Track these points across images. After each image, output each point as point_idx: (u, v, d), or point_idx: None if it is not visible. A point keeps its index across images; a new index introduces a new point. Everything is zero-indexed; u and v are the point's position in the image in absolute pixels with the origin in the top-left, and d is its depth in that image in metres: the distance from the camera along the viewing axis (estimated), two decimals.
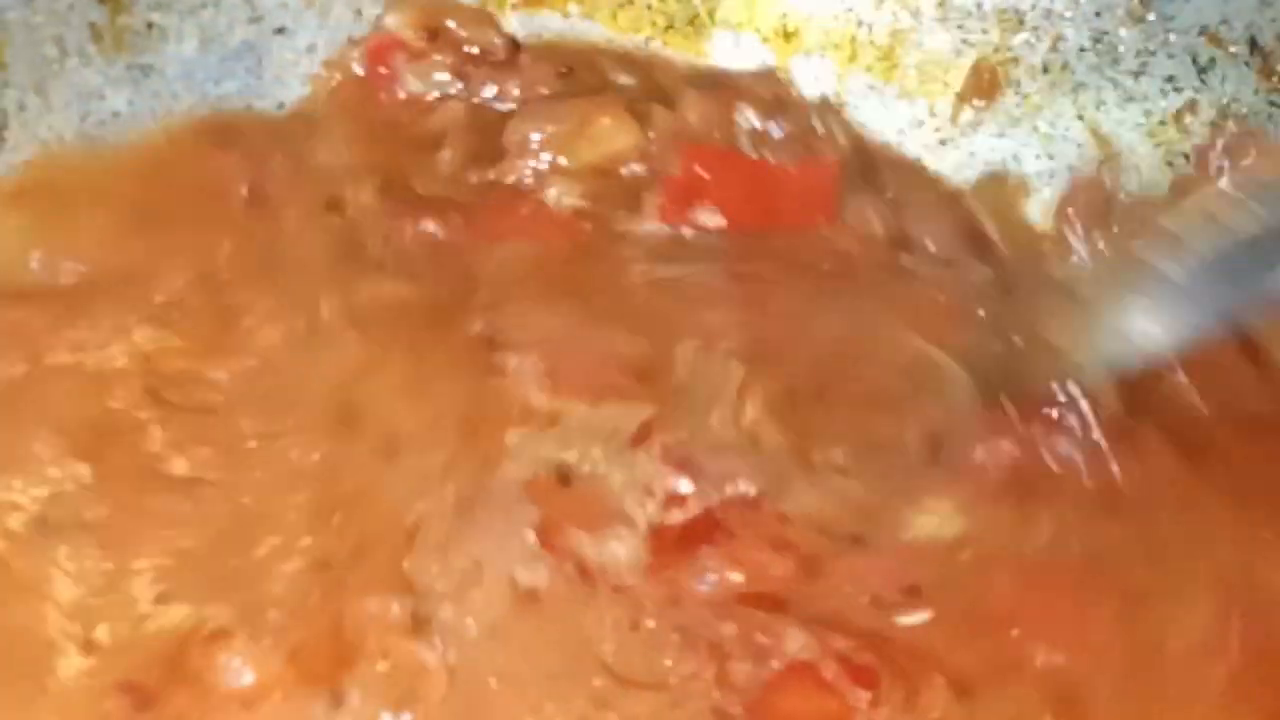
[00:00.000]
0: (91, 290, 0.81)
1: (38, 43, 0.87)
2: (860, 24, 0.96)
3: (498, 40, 0.93)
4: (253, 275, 0.82)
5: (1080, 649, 0.70)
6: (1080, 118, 0.93)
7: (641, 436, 0.76)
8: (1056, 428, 0.76)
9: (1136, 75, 0.91)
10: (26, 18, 0.86)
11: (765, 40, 0.97)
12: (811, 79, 0.96)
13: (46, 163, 0.87)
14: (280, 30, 0.93)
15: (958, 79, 0.95)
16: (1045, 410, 0.76)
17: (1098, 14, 0.92)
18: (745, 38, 0.97)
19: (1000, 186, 0.94)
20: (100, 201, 0.85)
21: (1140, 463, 0.76)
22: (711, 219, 0.85)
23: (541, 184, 0.86)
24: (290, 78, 0.94)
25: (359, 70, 0.93)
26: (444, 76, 0.92)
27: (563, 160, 0.87)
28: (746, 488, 0.74)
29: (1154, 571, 0.73)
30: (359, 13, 0.94)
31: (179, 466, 0.75)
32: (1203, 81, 0.90)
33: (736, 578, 0.72)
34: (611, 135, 0.88)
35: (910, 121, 0.96)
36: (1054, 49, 0.93)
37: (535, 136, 0.88)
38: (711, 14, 0.97)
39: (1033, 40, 0.93)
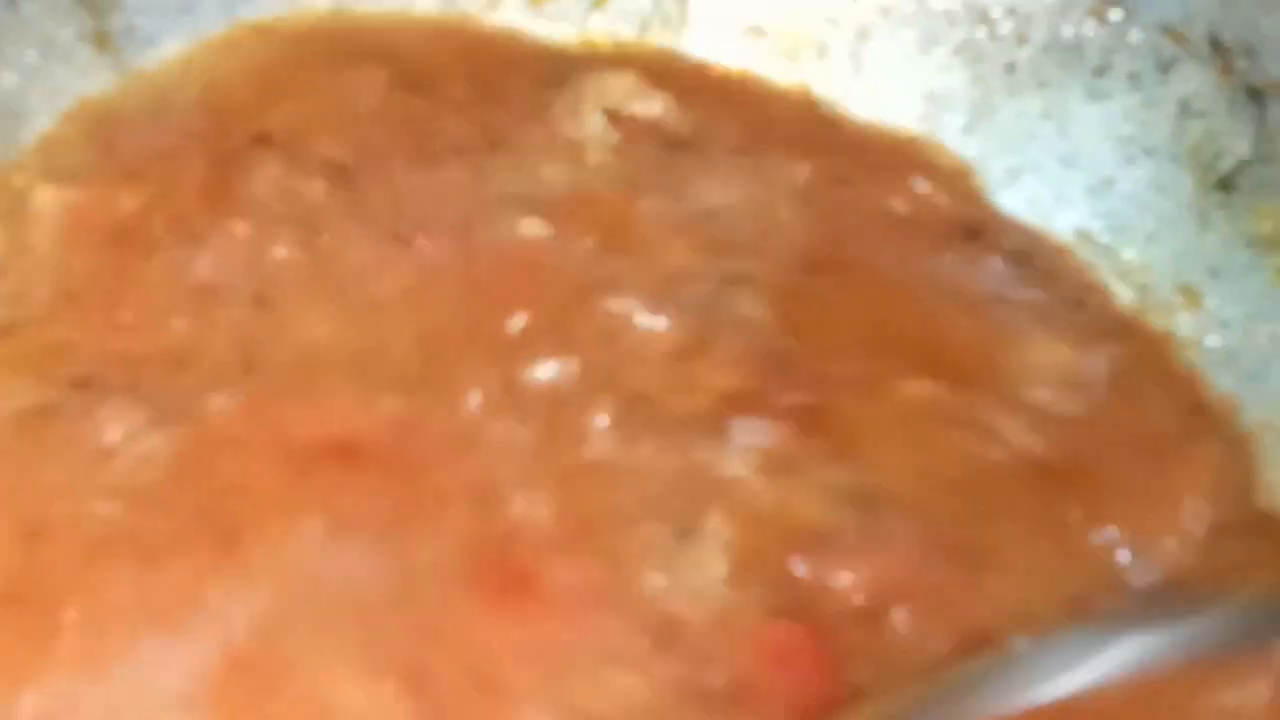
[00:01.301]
0: None
1: None
2: (828, 21, 0.96)
3: None
4: None
5: None
6: (1046, 116, 0.94)
7: None
8: None
9: (1100, 72, 0.92)
10: None
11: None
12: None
13: None
14: None
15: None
16: None
17: (1062, 12, 0.92)
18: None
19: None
20: None
21: None
22: None
23: None
24: None
25: None
26: None
27: None
28: None
29: None
30: None
31: None
32: (1165, 79, 0.91)
33: None
34: None
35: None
36: (1019, 45, 0.94)
37: None
38: None
39: (997, 37, 0.94)
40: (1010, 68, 0.95)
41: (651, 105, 0.90)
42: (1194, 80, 0.91)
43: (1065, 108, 0.94)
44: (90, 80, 0.89)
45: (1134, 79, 0.92)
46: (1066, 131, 0.94)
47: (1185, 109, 0.91)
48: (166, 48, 0.91)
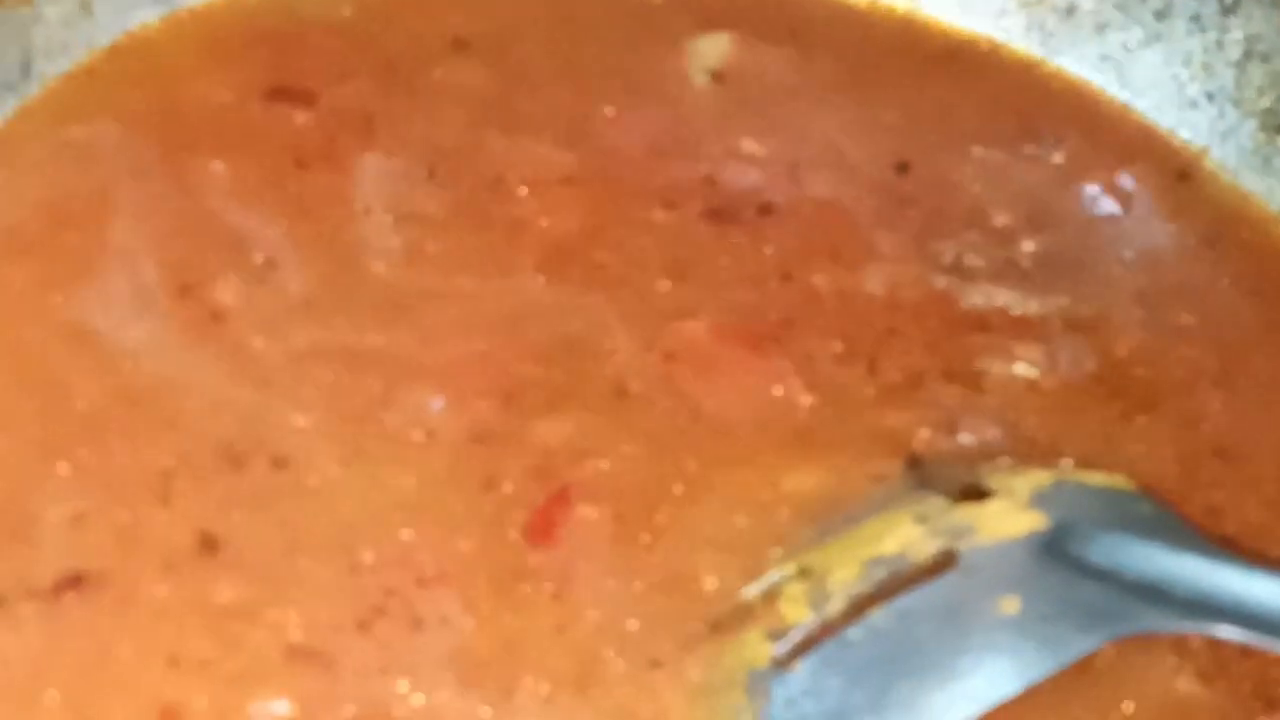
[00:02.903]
0: None
1: None
2: None
3: None
4: None
5: None
6: (1105, 60, 0.92)
7: None
8: None
9: (1161, 15, 0.91)
10: None
11: None
12: None
13: None
14: None
15: None
16: None
17: None
18: None
19: None
20: None
21: None
22: None
23: None
24: None
25: None
26: None
27: None
28: None
29: None
30: None
31: None
32: (1227, 22, 0.90)
33: None
34: None
35: None
36: None
37: None
38: None
39: None
40: (1069, 11, 0.93)
41: None
42: (1257, 22, 0.90)
43: (1125, 52, 0.92)
44: None
45: (1196, 21, 0.91)
46: (1126, 76, 0.92)
47: (1248, 52, 0.90)
48: None
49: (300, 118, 0.84)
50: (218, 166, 0.80)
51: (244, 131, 0.83)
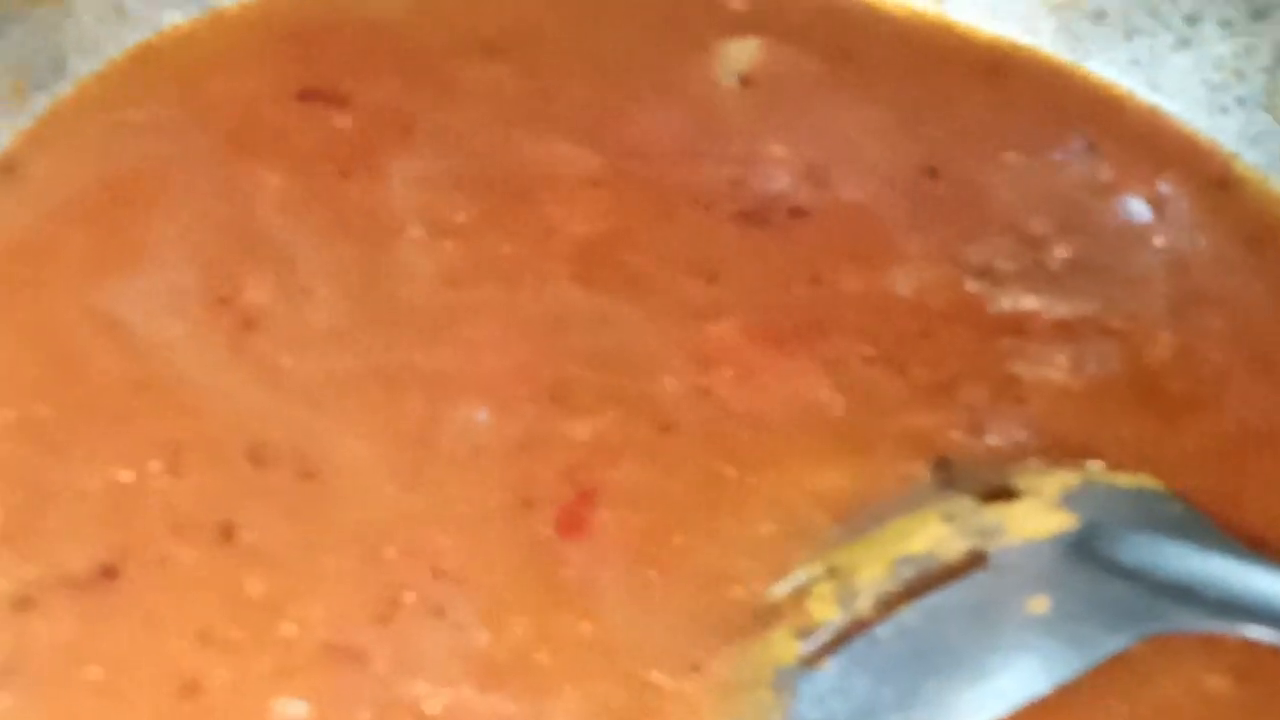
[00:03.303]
0: None
1: None
2: None
3: None
4: None
5: None
6: (1135, 64, 0.92)
7: None
8: None
9: (1192, 20, 0.91)
10: None
11: None
12: None
13: None
14: None
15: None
16: None
17: None
18: None
19: None
20: None
21: None
22: None
23: None
24: None
25: None
26: None
27: None
28: None
29: None
30: None
31: None
32: (1258, 26, 0.89)
33: None
34: None
35: None
36: None
37: None
38: None
39: None
40: (1099, 15, 0.93)
41: None
42: None
43: (1155, 56, 0.92)
44: None
45: (1226, 26, 0.91)
46: (1156, 81, 0.92)
47: (1279, 57, 0.89)
48: None
49: (339, 120, 0.84)
50: (270, 177, 0.81)
51: (288, 136, 0.84)
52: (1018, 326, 0.81)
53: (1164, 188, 0.88)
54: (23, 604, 0.66)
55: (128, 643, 0.65)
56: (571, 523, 0.70)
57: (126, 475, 0.70)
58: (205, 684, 0.64)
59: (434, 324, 0.77)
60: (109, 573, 0.67)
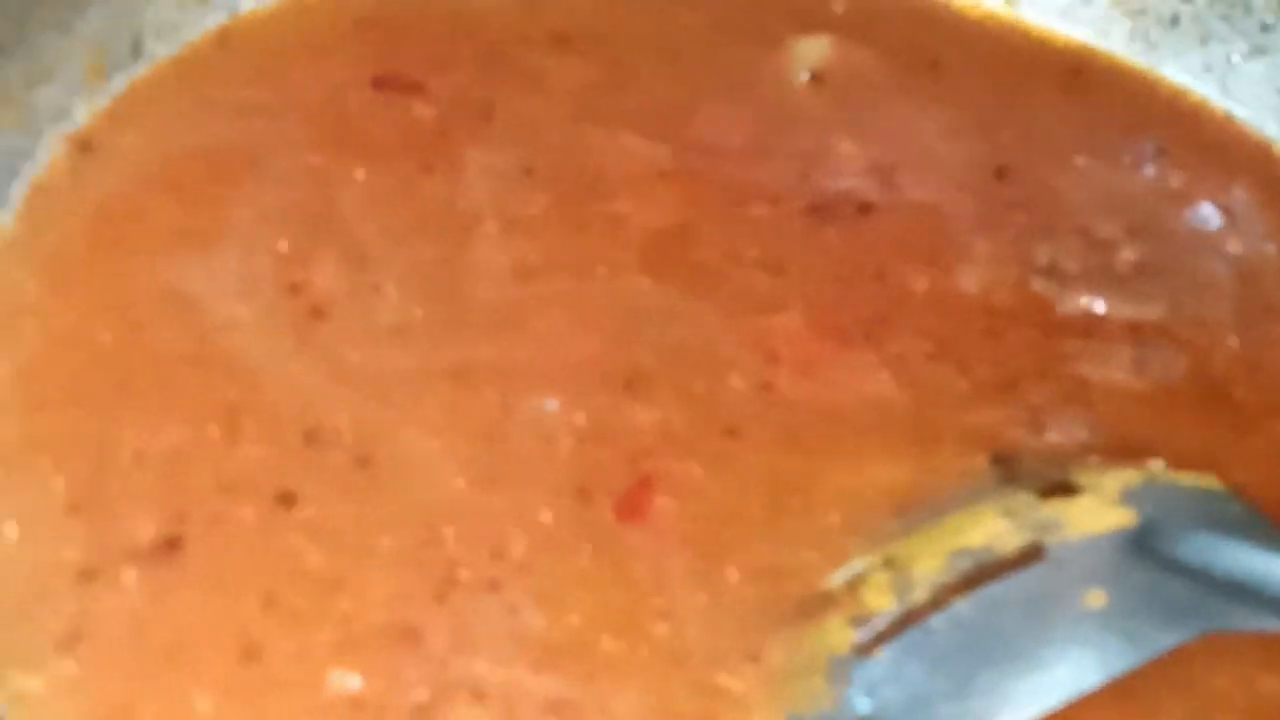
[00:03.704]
0: None
1: None
2: None
3: None
4: None
5: None
6: (1207, 70, 0.92)
7: None
8: None
9: (1267, 28, 0.90)
10: None
11: None
12: None
13: None
14: None
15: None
16: None
17: None
18: None
19: None
20: None
21: None
22: None
23: None
24: None
25: None
26: None
27: None
28: None
29: None
30: None
31: None
32: None
33: None
34: None
35: None
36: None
37: None
38: None
39: None
40: (1173, 21, 0.93)
41: None
42: None
43: (1229, 63, 0.92)
44: None
45: None
46: (1229, 88, 0.92)
47: None
48: None
49: (420, 109, 0.85)
50: (356, 170, 0.82)
51: (371, 125, 0.85)
52: (1083, 328, 0.81)
53: (1235, 195, 0.88)
54: (89, 575, 0.67)
55: (192, 609, 0.66)
56: (631, 508, 0.71)
57: (185, 440, 0.71)
58: (266, 651, 0.65)
59: (504, 319, 0.77)
60: (173, 543, 0.68)
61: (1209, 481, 0.71)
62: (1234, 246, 0.86)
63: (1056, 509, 0.69)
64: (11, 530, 0.68)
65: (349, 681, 0.65)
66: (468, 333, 0.77)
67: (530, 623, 0.67)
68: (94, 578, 0.67)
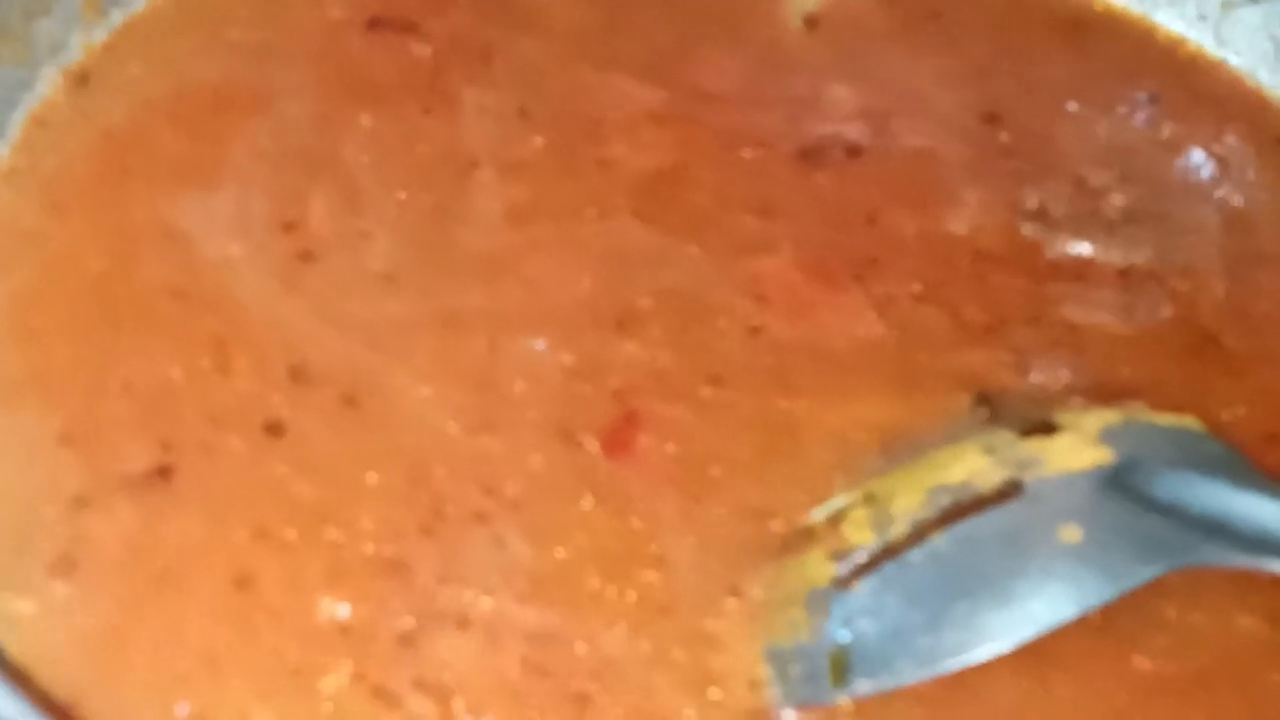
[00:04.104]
0: None
1: None
2: None
3: None
4: None
5: None
6: (1203, 17, 0.92)
7: None
8: None
9: None
10: None
11: None
12: None
13: None
14: None
15: None
16: None
17: None
18: None
19: None
20: None
21: None
22: None
23: None
24: None
25: None
26: None
27: None
28: None
29: None
30: None
31: None
32: None
33: None
34: None
35: None
36: None
37: None
38: None
39: None
40: None
41: None
42: None
43: (1224, 10, 0.93)
44: None
45: None
46: (1223, 36, 0.93)
47: None
48: None
49: (418, 49, 0.86)
50: (361, 116, 0.83)
51: (372, 68, 0.85)
52: (1071, 272, 0.81)
53: (1227, 143, 0.88)
54: (82, 502, 0.68)
55: (185, 536, 0.67)
56: (616, 441, 0.71)
57: (176, 371, 0.72)
58: (258, 578, 0.66)
59: (495, 264, 0.78)
60: (165, 471, 0.68)
61: (1188, 421, 0.71)
62: (1224, 194, 0.87)
63: (1036, 447, 0.70)
64: (5, 459, 0.68)
65: (338, 610, 0.66)
66: (458, 280, 0.77)
67: (517, 555, 0.68)
68: (87, 505, 0.67)
